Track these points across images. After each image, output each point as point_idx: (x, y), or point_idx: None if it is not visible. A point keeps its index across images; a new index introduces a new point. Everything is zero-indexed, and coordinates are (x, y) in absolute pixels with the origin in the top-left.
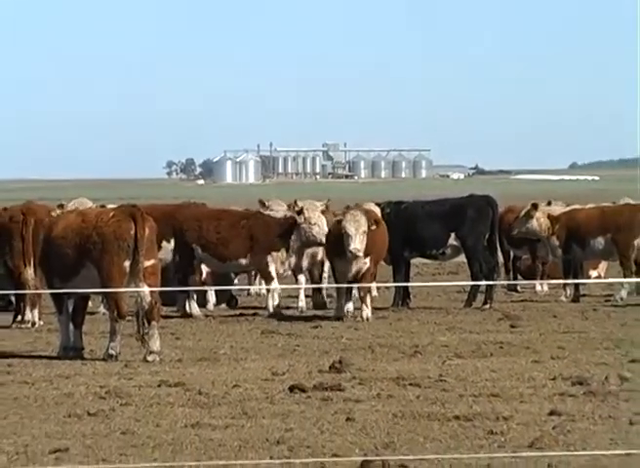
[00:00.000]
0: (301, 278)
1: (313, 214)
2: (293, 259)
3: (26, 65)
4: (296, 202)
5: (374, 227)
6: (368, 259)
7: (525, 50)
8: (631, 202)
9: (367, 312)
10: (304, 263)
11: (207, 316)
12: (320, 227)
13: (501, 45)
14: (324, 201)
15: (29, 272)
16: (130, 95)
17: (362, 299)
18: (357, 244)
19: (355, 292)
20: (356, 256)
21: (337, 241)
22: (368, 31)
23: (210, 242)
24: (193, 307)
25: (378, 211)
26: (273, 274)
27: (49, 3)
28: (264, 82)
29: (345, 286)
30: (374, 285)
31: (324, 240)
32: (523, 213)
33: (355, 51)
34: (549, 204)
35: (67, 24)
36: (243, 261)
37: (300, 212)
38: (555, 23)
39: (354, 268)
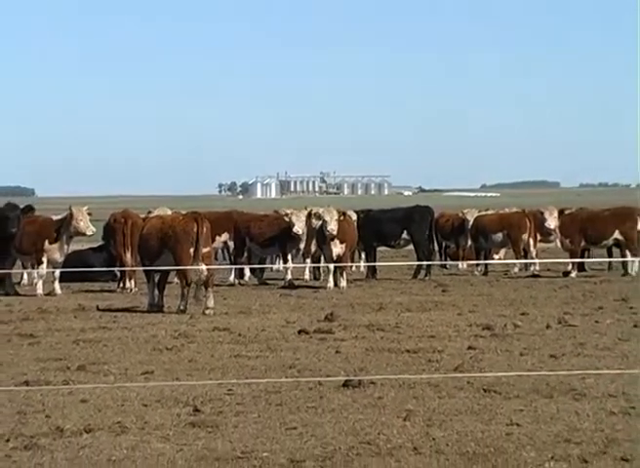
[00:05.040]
0: (308, 260)
1: (329, 217)
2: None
3: (105, 97)
4: (305, 207)
5: (342, 218)
6: (344, 245)
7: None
8: (518, 210)
9: (344, 283)
10: (312, 249)
11: (242, 285)
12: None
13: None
14: (325, 206)
15: (128, 256)
16: (195, 134)
17: (340, 274)
18: (332, 226)
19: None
20: (332, 236)
21: (323, 233)
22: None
23: (255, 235)
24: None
25: (354, 216)
26: (289, 257)
27: (118, 32)
28: (284, 130)
29: (333, 265)
30: (353, 264)
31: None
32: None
33: (338, 106)
34: (487, 210)
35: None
36: (275, 248)
37: (320, 216)
38: (476, 68)
39: (335, 251)
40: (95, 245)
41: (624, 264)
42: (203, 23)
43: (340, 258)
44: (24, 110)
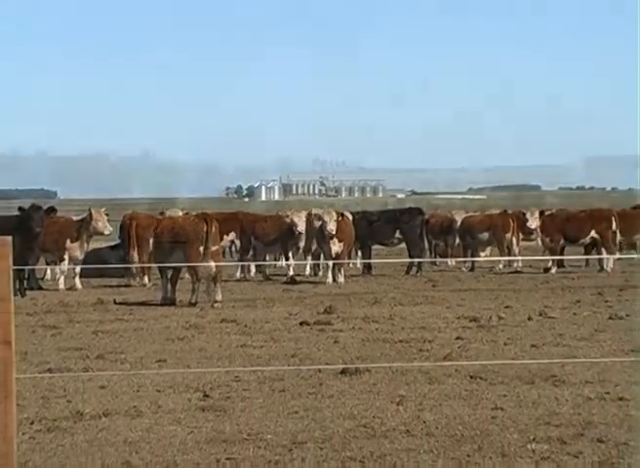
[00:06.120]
0: (308, 257)
1: (329, 218)
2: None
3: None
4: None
5: (340, 218)
6: (342, 244)
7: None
8: (502, 211)
9: (341, 279)
10: (312, 247)
11: (247, 280)
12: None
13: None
14: (325, 208)
15: (136, 254)
16: (203, 143)
17: (339, 270)
18: (331, 226)
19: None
20: (331, 235)
21: (322, 233)
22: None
23: (259, 234)
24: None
25: (350, 216)
26: (290, 254)
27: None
28: (285, 134)
29: (332, 262)
30: (350, 261)
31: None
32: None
33: (337, 109)
34: (475, 211)
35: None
36: (277, 246)
37: (320, 217)
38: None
39: (334, 249)
40: (112, 243)
41: (600, 261)
42: (209, 28)
43: (338, 256)
44: (47, 118)
